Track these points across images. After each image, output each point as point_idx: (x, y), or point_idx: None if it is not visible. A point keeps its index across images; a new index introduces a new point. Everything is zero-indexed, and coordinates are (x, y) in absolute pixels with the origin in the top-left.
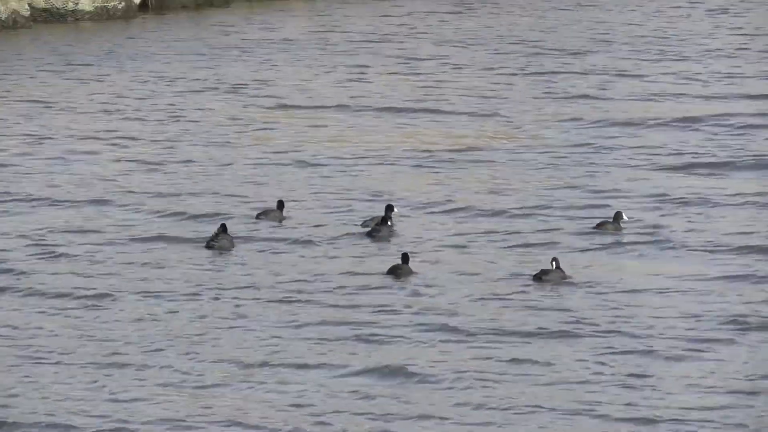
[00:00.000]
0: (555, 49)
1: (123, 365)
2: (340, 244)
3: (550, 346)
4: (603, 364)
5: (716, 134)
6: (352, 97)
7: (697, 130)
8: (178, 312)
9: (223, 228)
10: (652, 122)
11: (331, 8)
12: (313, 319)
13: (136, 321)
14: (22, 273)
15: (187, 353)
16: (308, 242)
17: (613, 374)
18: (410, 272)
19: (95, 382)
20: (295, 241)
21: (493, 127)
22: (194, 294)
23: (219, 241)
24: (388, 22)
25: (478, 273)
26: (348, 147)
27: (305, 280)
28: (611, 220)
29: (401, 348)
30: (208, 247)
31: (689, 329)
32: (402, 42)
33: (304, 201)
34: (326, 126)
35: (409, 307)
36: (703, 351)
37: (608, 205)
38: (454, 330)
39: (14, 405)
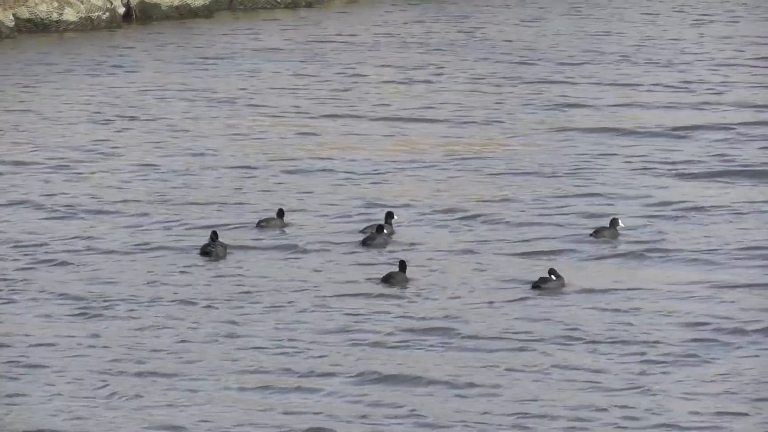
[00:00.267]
0: (545, 59)
1: (120, 373)
2: (338, 252)
3: (549, 354)
4: (602, 371)
5: (710, 142)
6: (343, 105)
7: (690, 138)
8: (174, 319)
9: (215, 235)
10: (644, 130)
11: (315, 18)
12: (307, 327)
13: (134, 329)
14: (14, 280)
15: (184, 361)
16: (305, 250)
17: (613, 382)
18: (405, 280)
19: (94, 389)
20: (293, 249)
21: (486, 136)
22: (190, 301)
23: (215, 247)
24: (374, 31)
25: (475, 281)
26: (343, 155)
27: (301, 288)
28: (607, 227)
29: (397, 355)
30: (205, 253)
31: (688, 336)
32: (390, 50)
33: (303, 210)
34: (319, 134)
35: (404, 314)
36: (703, 358)
37: (604, 213)
38: (452, 337)
39: (11, 413)
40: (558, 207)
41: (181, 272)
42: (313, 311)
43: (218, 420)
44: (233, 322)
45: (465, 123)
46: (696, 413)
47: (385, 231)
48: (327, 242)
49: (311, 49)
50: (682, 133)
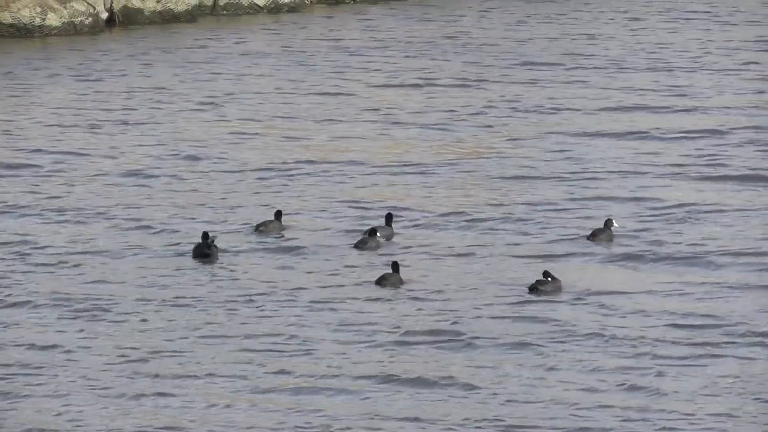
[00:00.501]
0: (532, 62)
1: (117, 374)
2: (333, 255)
3: (546, 356)
4: (600, 373)
5: (703, 145)
6: (332, 108)
7: (682, 140)
8: (170, 322)
9: (206, 236)
10: (636, 133)
11: (298, 22)
12: (303, 329)
13: (130, 332)
14: (7, 284)
15: (180, 363)
16: (301, 253)
17: (610, 383)
18: (399, 281)
19: (91, 390)
20: (289, 252)
21: (477, 139)
22: (186, 304)
23: (211, 250)
24: (359, 35)
25: (470, 283)
26: (334, 158)
27: (296, 291)
28: (603, 228)
29: (392, 357)
30: (202, 255)
31: (686, 337)
32: (376, 54)
33: (297, 213)
34: (309, 138)
35: (398, 316)
36: (700, 359)
37: (599, 215)
38: (447, 339)
39: (5, 417)
40: (553, 210)
41: (176, 275)
42: (307, 313)
43: (215, 421)
44: (229, 325)
45: (456, 126)
46: (694, 415)
47: (378, 234)
48: (322, 245)
49: (297, 53)
50: (674, 135)
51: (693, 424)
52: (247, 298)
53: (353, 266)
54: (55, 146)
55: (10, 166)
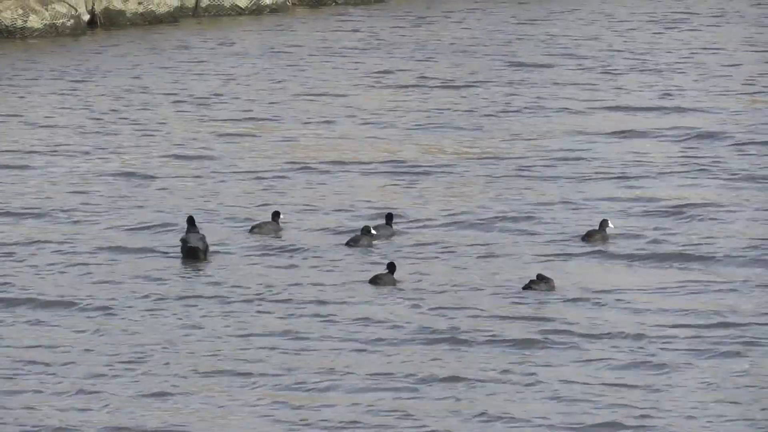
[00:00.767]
0: (518, 63)
1: (115, 376)
2: (326, 255)
3: (541, 356)
4: (596, 372)
5: (698, 144)
6: (319, 109)
7: (676, 139)
8: (163, 322)
9: (192, 220)
10: (630, 132)
11: (281, 23)
12: (297, 329)
13: (119, 331)
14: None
15: (173, 363)
16: (294, 253)
17: (607, 382)
18: (393, 281)
19: (86, 390)
20: (282, 252)
21: (467, 140)
22: (178, 304)
23: (199, 244)
24: (342, 36)
25: (465, 283)
26: (324, 159)
27: (290, 290)
28: (598, 229)
29: (386, 356)
30: (190, 255)
31: (685, 336)
32: (361, 55)
33: (288, 214)
34: (297, 139)
35: (392, 316)
36: (698, 358)
37: (593, 216)
38: (443, 339)
39: (3, 416)
40: (548, 210)
41: (168, 275)
42: (302, 313)
43: (213, 420)
44: (223, 325)
45: (447, 127)
46: (693, 417)
47: (372, 232)
48: (317, 245)
49: (282, 55)
50: (667, 135)
51: (691, 422)
52: (243, 297)
53: (347, 266)
54: (45, 146)
55: None
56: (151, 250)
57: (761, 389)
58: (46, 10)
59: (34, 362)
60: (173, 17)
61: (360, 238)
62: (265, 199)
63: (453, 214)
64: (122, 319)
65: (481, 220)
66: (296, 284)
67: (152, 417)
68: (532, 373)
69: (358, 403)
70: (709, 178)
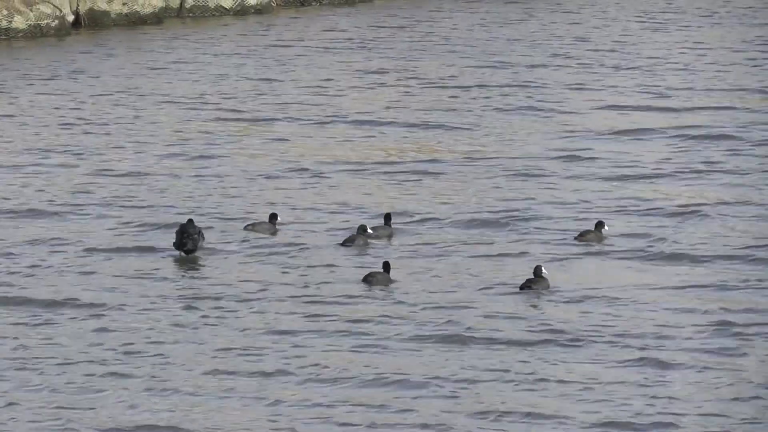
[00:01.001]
0: (509, 63)
1: (108, 374)
2: (322, 255)
3: (538, 355)
4: (594, 371)
5: (693, 144)
6: (309, 109)
7: (670, 140)
8: (156, 321)
9: (191, 223)
10: (619, 133)
11: (266, 24)
12: (291, 329)
13: (116, 330)
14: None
15: (169, 362)
16: (289, 253)
17: (603, 381)
18: (388, 280)
19: (82, 390)
20: (277, 252)
21: (461, 139)
22: (172, 303)
23: (192, 238)
24: (328, 36)
25: (461, 282)
26: (317, 159)
27: (280, 288)
28: (593, 230)
29: (383, 356)
30: (183, 247)
31: (679, 337)
32: (348, 55)
33: (281, 213)
34: (288, 139)
35: (389, 314)
36: (698, 358)
37: (588, 216)
38: (439, 338)
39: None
40: (542, 210)
41: (161, 273)
42: (295, 313)
43: (198, 421)
44: (216, 324)
45: (438, 126)
46: (692, 415)
47: (368, 231)
48: (312, 245)
49: (269, 55)
50: (663, 134)
51: (693, 421)
52: (236, 296)
53: (342, 265)
54: (33, 146)
55: None
56: (145, 249)
57: (765, 389)
58: (31, 11)
59: (38, 359)
60: (158, 18)
61: (355, 238)
62: (261, 200)
63: (450, 214)
64: (117, 318)
65: (478, 219)
66: (290, 283)
67: (150, 414)
68: (530, 372)
69: (354, 402)
70: (706, 177)
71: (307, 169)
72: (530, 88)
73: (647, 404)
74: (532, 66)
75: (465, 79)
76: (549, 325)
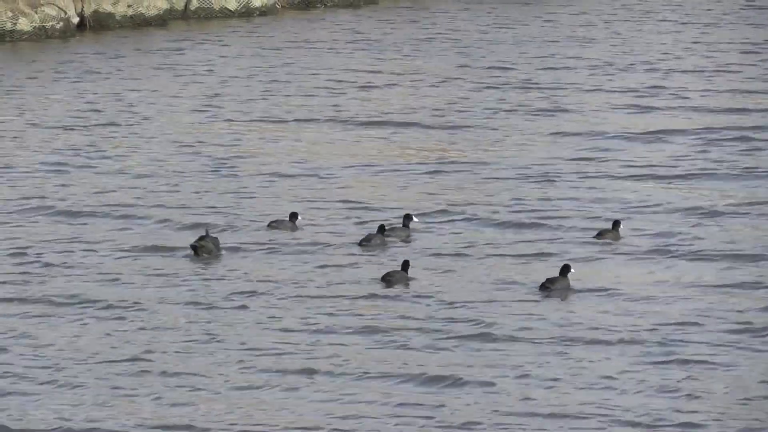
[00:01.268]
0: (518, 64)
1: (123, 374)
2: (340, 254)
3: (561, 354)
4: (615, 371)
5: (703, 145)
6: (319, 110)
7: (685, 140)
8: (174, 319)
9: (206, 233)
10: (634, 134)
11: (271, 26)
12: (310, 327)
13: (134, 330)
14: (6, 283)
15: (187, 360)
16: (307, 252)
17: (624, 380)
18: (406, 279)
19: (99, 387)
20: (296, 251)
21: (474, 139)
22: (190, 302)
23: (205, 243)
24: (335, 37)
25: (480, 282)
26: (331, 160)
27: (302, 290)
28: (610, 229)
29: (403, 354)
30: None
31: (699, 335)
32: (356, 55)
33: (298, 214)
34: (299, 140)
35: (407, 314)
36: (713, 358)
37: (605, 216)
38: (460, 337)
39: (11, 415)
40: (558, 210)
41: (180, 273)
42: (314, 312)
43: (225, 419)
44: (235, 323)
45: (449, 127)
46: (709, 413)
47: (385, 231)
48: (328, 244)
49: (274, 56)
50: (679, 137)
51: (708, 416)
52: (252, 296)
53: (360, 264)
54: (45, 147)
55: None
56: (166, 249)
57: None
58: (36, 13)
59: (38, 361)
60: (162, 20)
61: (372, 237)
62: (276, 199)
63: (468, 215)
64: (139, 317)
65: (496, 219)
66: (309, 282)
67: (173, 412)
68: (550, 371)
69: (372, 400)
70: (723, 177)
71: (319, 169)
72: (545, 88)
73: (668, 403)
74: (545, 68)
75: (475, 80)
76: (569, 323)
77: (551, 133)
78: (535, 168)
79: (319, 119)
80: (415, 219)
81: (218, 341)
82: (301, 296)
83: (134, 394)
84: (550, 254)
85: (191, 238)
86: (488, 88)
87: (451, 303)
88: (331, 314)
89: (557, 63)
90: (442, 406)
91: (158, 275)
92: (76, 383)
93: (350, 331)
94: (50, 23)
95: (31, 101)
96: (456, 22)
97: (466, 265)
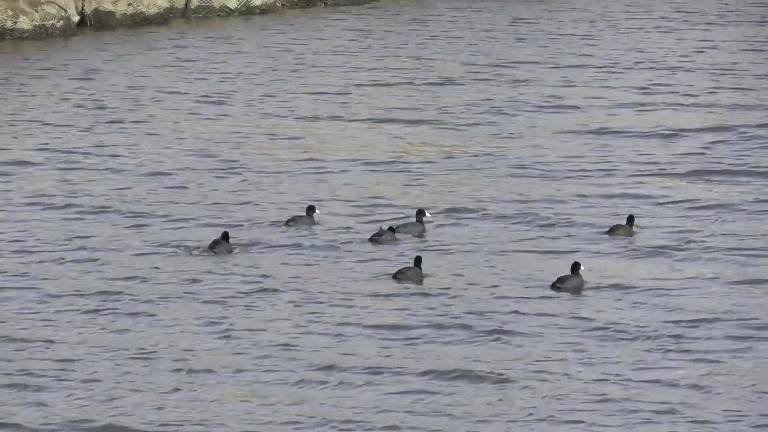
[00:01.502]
0: (522, 62)
1: (132, 372)
2: (353, 250)
3: (575, 349)
4: (628, 366)
5: (718, 143)
6: (323, 107)
7: (701, 138)
8: (188, 316)
9: (226, 236)
10: (644, 131)
11: (272, 24)
12: (322, 323)
13: (148, 326)
14: (19, 278)
15: (200, 357)
16: (319, 248)
17: (637, 376)
18: (419, 275)
19: (107, 384)
20: (306, 247)
21: (483, 137)
22: (205, 298)
23: (221, 244)
24: (336, 35)
25: (493, 278)
26: (338, 156)
27: (316, 285)
28: (623, 225)
29: (416, 350)
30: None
31: (712, 331)
32: (358, 54)
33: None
34: (304, 137)
35: (418, 310)
36: (727, 354)
37: (617, 212)
38: (472, 333)
39: (14, 412)
40: (573, 207)
41: (193, 270)
42: (328, 307)
43: (234, 414)
44: (247, 319)
45: (457, 125)
46: (727, 411)
47: (395, 229)
48: (341, 241)
49: (276, 54)
50: (689, 134)
51: (730, 418)
52: (266, 292)
53: (373, 260)
54: (51, 145)
55: (20, 162)
56: (180, 247)
57: None
58: (36, 11)
59: (43, 360)
60: (163, 18)
61: (383, 233)
62: (287, 196)
63: (478, 211)
64: (155, 313)
65: (507, 216)
66: (318, 279)
67: (168, 412)
68: (563, 367)
69: (381, 392)
70: (734, 174)
71: (325, 166)
72: (554, 86)
73: (682, 398)
74: (554, 66)
75: (481, 77)
76: (582, 319)
77: (560, 131)
78: (546, 165)
79: (319, 117)
80: (427, 214)
81: (231, 337)
82: (313, 292)
83: (147, 390)
84: (562, 250)
85: (203, 234)
86: (495, 86)
87: (462, 299)
88: (346, 307)
89: (568, 61)
90: (456, 401)
91: (171, 272)
92: (90, 378)
93: (362, 326)
94: (51, 22)
95: (34, 99)
96: (459, 19)
97: (478, 261)
